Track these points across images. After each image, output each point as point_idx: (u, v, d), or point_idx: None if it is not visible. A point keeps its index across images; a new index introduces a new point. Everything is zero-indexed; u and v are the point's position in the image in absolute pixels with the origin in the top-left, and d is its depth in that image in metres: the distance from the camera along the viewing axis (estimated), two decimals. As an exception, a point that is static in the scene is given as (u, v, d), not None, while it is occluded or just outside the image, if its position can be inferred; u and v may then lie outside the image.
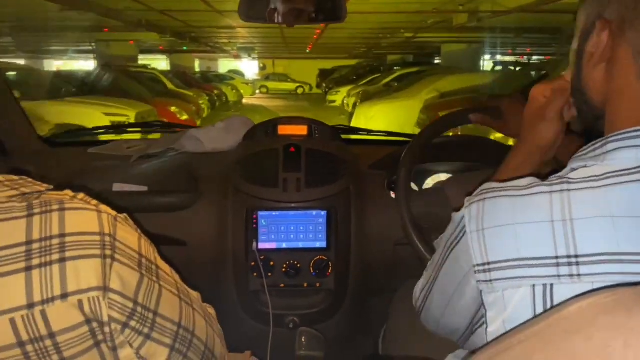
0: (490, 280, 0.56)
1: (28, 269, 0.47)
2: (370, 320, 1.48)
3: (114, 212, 0.56)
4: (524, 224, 0.54)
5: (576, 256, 0.50)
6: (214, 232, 1.32)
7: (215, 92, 15.28)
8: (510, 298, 0.54)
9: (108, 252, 0.51)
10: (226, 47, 23.17)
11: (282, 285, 1.32)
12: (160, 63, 26.27)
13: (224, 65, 35.65)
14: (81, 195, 0.56)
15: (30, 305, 0.47)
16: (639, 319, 0.32)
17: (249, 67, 35.48)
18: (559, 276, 0.51)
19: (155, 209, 1.33)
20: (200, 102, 11.45)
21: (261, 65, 34.01)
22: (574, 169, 0.56)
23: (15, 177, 0.54)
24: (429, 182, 1.42)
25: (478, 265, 0.57)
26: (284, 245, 1.31)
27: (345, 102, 14.12)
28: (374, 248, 1.36)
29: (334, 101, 16.27)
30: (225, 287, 1.33)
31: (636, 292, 0.35)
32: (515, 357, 0.38)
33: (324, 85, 22.04)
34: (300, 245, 1.31)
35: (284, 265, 1.30)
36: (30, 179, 0.55)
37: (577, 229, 0.51)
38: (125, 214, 0.59)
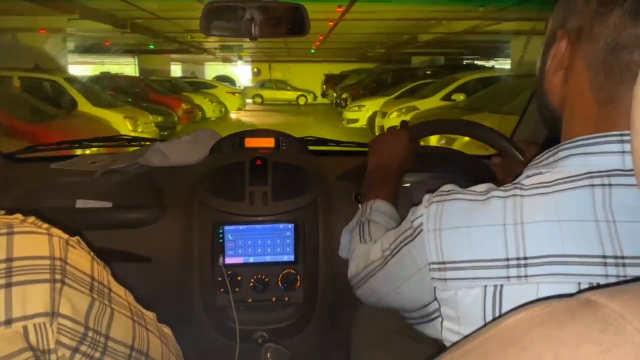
0: (445, 279, 0.59)
1: None
2: (341, 333, 1.47)
3: (65, 236, 0.55)
4: (479, 227, 0.56)
5: (525, 258, 0.53)
6: (179, 248, 1.30)
7: (184, 106, 11.56)
8: (462, 297, 0.57)
9: (58, 277, 0.50)
10: (206, 45, 18.91)
11: (250, 300, 1.30)
12: (126, 66, 21.65)
13: (214, 70, 30.24)
14: (31, 219, 0.54)
15: None
16: (569, 330, 0.32)
17: (243, 73, 30.27)
18: (508, 277, 0.54)
19: (119, 225, 1.31)
20: (140, 129, 7.85)
21: (255, 70, 28.57)
22: (528, 176, 0.58)
23: None
24: None
25: (433, 263, 0.60)
26: (251, 260, 1.30)
27: (378, 124, 9.78)
28: (343, 261, 1.35)
29: (355, 120, 11.53)
30: (192, 303, 1.31)
31: (568, 304, 0.36)
32: None
33: (335, 94, 17.77)
34: (268, 259, 1.30)
35: (252, 280, 1.29)
36: None
37: (527, 232, 0.53)
38: (77, 237, 0.58)
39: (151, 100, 10.52)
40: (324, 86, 21.85)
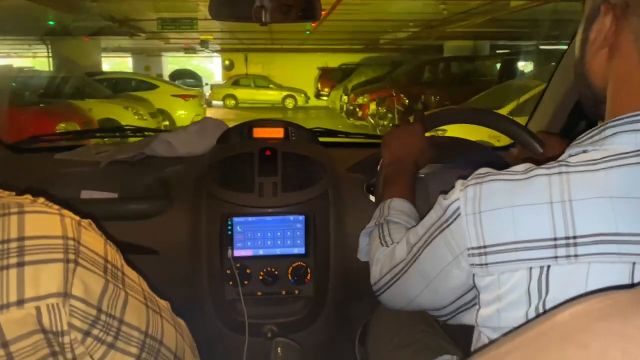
0: (486, 264, 0.56)
1: None
2: (351, 327, 1.44)
3: (77, 217, 0.53)
4: (522, 206, 0.54)
5: (574, 237, 0.51)
6: (187, 240, 1.27)
7: (63, 127, 6.35)
8: (505, 281, 0.55)
9: (71, 257, 0.49)
10: (137, 18, 12.01)
11: (260, 293, 1.28)
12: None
13: (182, 63, 23.33)
14: (42, 200, 0.53)
15: None
16: (636, 325, 0.30)
17: (215, 67, 24.37)
18: (556, 257, 0.51)
19: (125, 217, 1.28)
20: None
21: (226, 62, 22.15)
22: (572, 155, 0.56)
23: None
24: None
25: (473, 248, 0.57)
26: (261, 252, 1.27)
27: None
28: (354, 253, 1.32)
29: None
30: (200, 296, 1.29)
31: (632, 296, 0.33)
32: None
33: (344, 98, 12.03)
34: (278, 251, 1.27)
35: (261, 273, 1.26)
36: None
37: (576, 210, 0.51)
38: (89, 220, 0.56)
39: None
40: (319, 84, 16.80)
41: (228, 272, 1.25)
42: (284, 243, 1.27)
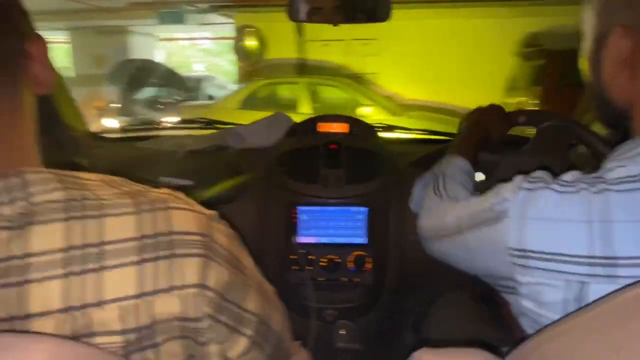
0: (528, 267, 0.59)
1: (140, 262, 0.50)
2: (405, 317, 1.49)
3: (207, 211, 0.59)
4: (565, 221, 0.56)
5: (614, 257, 0.52)
6: (255, 226, 1.36)
7: None
8: (544, 285, 0.57)
9: (207, 252, 0.54)
10: None
11: (321, 279, 1.34)
12: None
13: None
14: (181, 195, 0.59)
15: (139, 296, 0.49)
16: None
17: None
18: (594, 275, 0.53)
19: (199, 203, 1.37)
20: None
21: (247, 39, 8.55)
22: (610, 169, 0.57)
23: (114, 178, 0.57)
24: None
25: (513, 249, 0.61)
26: (324, 240, 1.34)
27: None
28: (412, 246, 1.36)
29: None
30: (266, 279, 1.36)
31: None
32: (567, 342, 0.39)
33: None
34: (340, 240, 1.34)
35: (324, 260, 1.33)
36: (127, 180, 0.58)
37: (616, 231, 0.53)
38: (215, 212, 0.61)
39: None
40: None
41: (293, 257, 1.32)
42: (346, 233, 1.33)
